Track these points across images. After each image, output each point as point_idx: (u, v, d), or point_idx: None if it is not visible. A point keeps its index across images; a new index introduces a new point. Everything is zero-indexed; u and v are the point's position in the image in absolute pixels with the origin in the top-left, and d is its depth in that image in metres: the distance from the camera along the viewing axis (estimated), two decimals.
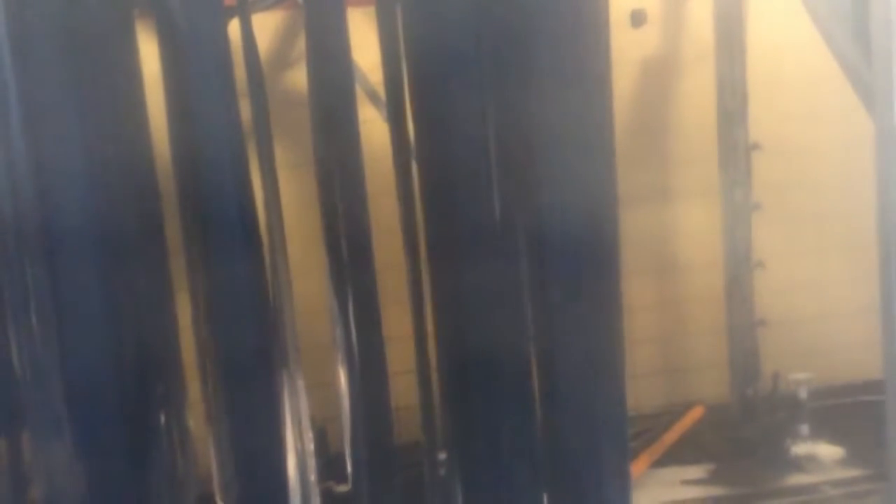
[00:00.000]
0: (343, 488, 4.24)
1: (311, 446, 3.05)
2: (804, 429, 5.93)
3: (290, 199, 3.33)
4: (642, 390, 6.79)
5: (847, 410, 6.30)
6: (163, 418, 2.66)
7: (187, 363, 2.89)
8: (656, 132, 6.77)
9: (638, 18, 6.20)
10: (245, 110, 2.82)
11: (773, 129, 6.33)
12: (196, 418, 2.87)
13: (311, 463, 3.03)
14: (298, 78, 3.17)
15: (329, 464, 4.85)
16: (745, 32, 6.00)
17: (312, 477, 3.00)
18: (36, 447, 3.71)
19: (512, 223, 2.50)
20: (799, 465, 5.77)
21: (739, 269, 6.16)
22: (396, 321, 2.92)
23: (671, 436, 6.22)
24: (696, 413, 6.57)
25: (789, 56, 6.48)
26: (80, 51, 2.47)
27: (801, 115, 6.69)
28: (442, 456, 2.76)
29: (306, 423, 3.04)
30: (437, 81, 2.48)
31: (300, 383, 3.07)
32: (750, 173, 6.08)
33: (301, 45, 2.93)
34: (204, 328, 2.78)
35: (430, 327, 2.75)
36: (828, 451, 5.87)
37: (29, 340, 2.72)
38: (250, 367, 2.71)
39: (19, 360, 3.59)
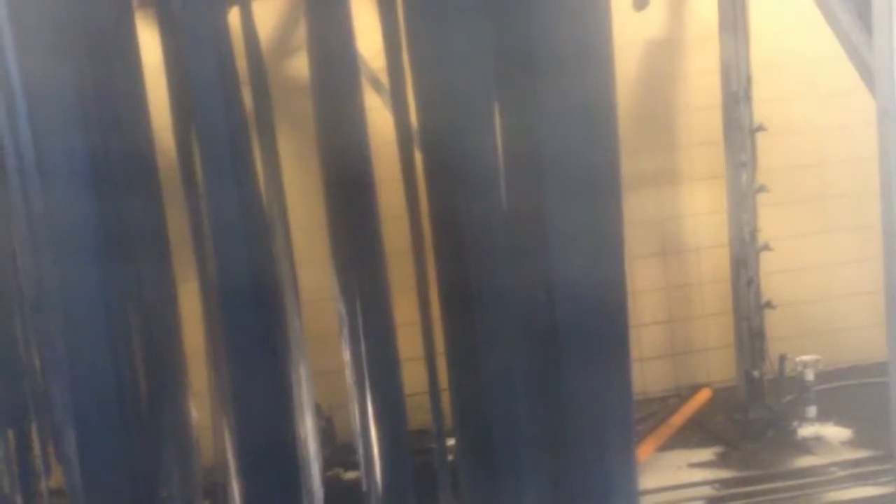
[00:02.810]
0: (351, 475, 4.26)
1: (316, 433, 3.07)
2: (811, 410, 5.94)
3: (293, 187, 3.32)
4: (649, 373, 6.79)
5: (854, 392, 6.30)
6: (165, 407, 2.67)
7: (195, 353, 2.90)
8: (660, 115, 6.75)
9: (640, 1, 6.16)
10: (247, 99, 2.82)
11: (777, 111, 6.30)
12: (208, 407, 2.88)
13: (318, 450, 3.04)
14: (300, 65, 3.17)
15: (336, 451, 4.88)
16: (748, 13, 5.96)
17: (319, 463, 3.01)
18: (44, 437, 3.73)
19: (517, 209, 2.49)
20: (806, 446, 5.78)
21: (745, 252, 6.15)
22: (404, 308, 2.92)
23: (678, 419, 6.23)
24: (702, 396, 6.57)
25: (793, 37, 6.44)
26: (80, 42, 2.47)
27: (806, 95, 6.66)
28: (450, 442, 2.76)
29: (313, 410, 3.05)
30: (440, 67, 2.47)
31: (306, 371, 3.07)
32: (755, 155, 6.05)
33: (303, 31, 2.91)
34: (212, 318, 2.78)
35: (436, 313, 2.75)
36: (835, 432, 5.87)
37: (35, 332, 2.73)
38: (258, 355, 2.71)
39: (26, 352, 3.61)
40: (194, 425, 2.86)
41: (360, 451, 2.91)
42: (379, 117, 3.28)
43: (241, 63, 2.86)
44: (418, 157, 2.68)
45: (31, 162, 2.46)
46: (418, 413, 2.89)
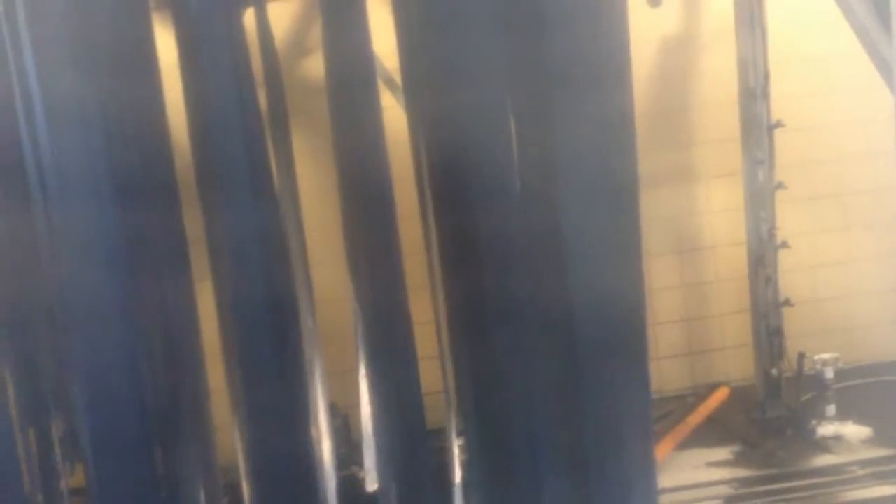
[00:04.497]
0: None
1: (332, 433, 3.07)
2: (830, 409, 5.89)
3: (308, 187, 3.34)
4: (666, 372, 6.77)
5: (874, 390, 6.25)
6: (184, 407, 2.69)
7: (210, 352, 2.91)
8: (676, 112, 6.72)
9: None
10: (262, 99, 2.83)
11: (795, 107, 6.26)
12: (221, 407, 2.89)
13: (332, 449, 3.05)
14: (316, 66, 3.18)
15: (352, 450, 4.88)
16: (764, 9, 5.92)
17: (333, 462, 3.02)
18: (65, 436, 3.76)
19: (531, 210, 2.49)
20: (826, 445, 5.73)
21: (763, 249, 6.11)
22: (420, 307, 2.92)
23: (696, 417, 6.21)
24: (720, 394, 6.54)
25: (810, 32, 6.40)
26: (97, 45, 2.49)
27: (824, 91, 6.61)
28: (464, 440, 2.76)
29: (328, 409, 3.06)
30: (455, 67, 2.46)
31: (321, 370, 3.08)
32: (773, 152, 6.02)
33: (318, 32, 2.92)
34: (226, 317, 2.79)
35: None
36: (855, 431, 5.83)
37: (55, 331, 2.76)
38: (272, 355, 2.72)
39: (47, 350, 3.63)
40: (212, 424, 2.87)
41: (375, 450, 2.92)
42: (393, 117, 3.28)
43: (257, 64, 2.87)
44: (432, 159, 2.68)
45: (52, 164, 2.48)
46: (432, 412, 2.89)
